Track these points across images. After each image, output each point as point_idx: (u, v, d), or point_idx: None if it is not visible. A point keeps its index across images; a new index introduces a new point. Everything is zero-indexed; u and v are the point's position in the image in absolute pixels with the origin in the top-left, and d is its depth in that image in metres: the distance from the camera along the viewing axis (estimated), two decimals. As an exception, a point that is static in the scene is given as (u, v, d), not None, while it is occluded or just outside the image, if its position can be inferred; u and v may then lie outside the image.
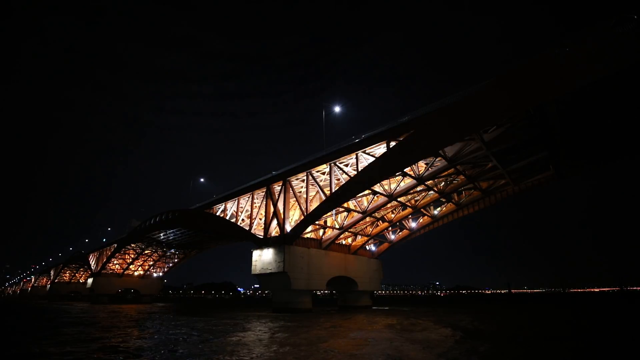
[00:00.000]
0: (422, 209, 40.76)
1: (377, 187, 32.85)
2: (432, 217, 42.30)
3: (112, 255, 73.40)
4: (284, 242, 36.18)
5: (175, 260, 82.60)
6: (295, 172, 38.34)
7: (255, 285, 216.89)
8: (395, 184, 33.05)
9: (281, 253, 35.68)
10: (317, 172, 37.55)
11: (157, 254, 75.97)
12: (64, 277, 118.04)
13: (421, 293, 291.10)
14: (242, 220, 45.06)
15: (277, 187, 40.62)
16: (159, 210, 66.92)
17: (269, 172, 41.67)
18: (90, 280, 79.75)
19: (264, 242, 38.50)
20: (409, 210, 40.64)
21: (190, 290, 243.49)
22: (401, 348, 11.70)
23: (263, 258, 37.49)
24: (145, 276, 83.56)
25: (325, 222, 40.14)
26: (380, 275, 49.37)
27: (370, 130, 31.15)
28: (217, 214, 49.96)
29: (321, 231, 41.83)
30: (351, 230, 41.08)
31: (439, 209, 42.12)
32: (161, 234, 62.72)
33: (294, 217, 42.43)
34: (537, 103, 21.11)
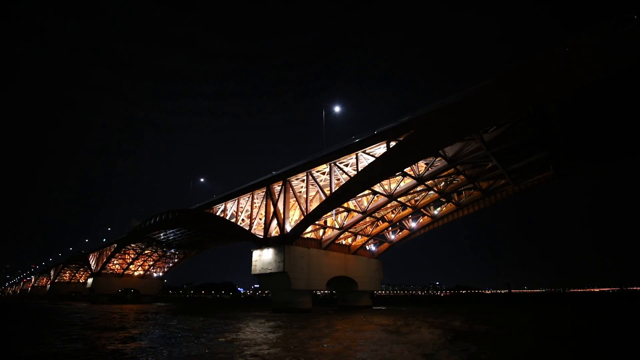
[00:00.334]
0: (422, 209, 40.77)
1: (377, 187, 32.86)
2: (432, 217, 42.31)
3: (112, 255, 73.42)
4: (284, 242, 36.19)
5: (175, 260, 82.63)
6: (295, 172, 38.36)
7: (256, 285, 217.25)
8: (395, 184, 33.06)
9: (281, 253, 35.69)
10: (317, 172, 37.56)
11: (157, 254, 75.99)
12: (64, 277, 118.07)
13: (421, 293, 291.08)
14: (242, 220, 45.07)
15: (277, 187, 40.63)
16: (159, 210, 67.03)
17: (269, 172, 41.74)
18: (90, 280, 79.78)
19: (264, 242, 38.51)
20: (409, 210, 40.66)
21: (190, 290, 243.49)
22: (392, 348, 11.78)
23: (263, 258, 37.50)
24: (145, 276, 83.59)
25: (325, 222, 40.15)
26: (380, 275, 49.38)
27: (370, 130, 31.16)
28: (217, 214, 49.97)
29: (321, 231, 41.84)
30: (351, 230, 41.09)
31: (439, 209, 42.13)
32: (161, 234, 62.74)
33: (294, 217, 42.44)
34: (537, 103, 21.12)
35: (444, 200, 39.09)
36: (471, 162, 29.51)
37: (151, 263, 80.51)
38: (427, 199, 38.23)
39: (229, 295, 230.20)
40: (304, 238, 38.92)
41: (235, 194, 46.93)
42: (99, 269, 78.49)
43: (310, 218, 35.33)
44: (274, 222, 39.13)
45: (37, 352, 11.82)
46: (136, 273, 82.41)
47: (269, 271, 36.46)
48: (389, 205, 36.39)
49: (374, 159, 30.84)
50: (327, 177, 36.84)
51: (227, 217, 47.86)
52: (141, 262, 79.83)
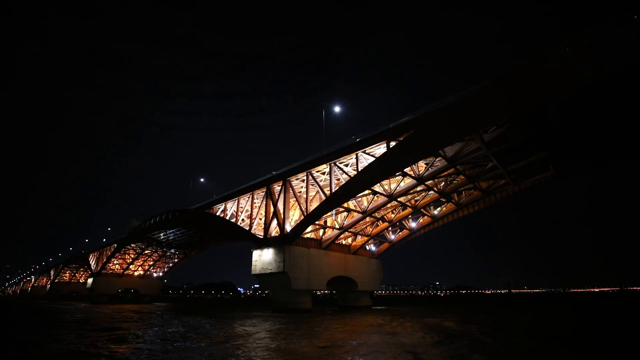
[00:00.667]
0: (422, 209, 40.77)
1: (377, 187, 32.87)
2: (432, 217, 42.31)
3: (112, 255, 73.41)
4: (284, 242, 36.19)
5: (175, 260, 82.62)
6: (295, 172, 38.36)
7: (255, 285, 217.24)
8: (395, 184, 33.06)
9: (281, 253, 35.69)
10: (317, 172, 37.56)
11: (157, 254, 75.98)
12: (64, 277, 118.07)
13: (421, 293, 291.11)
14: (242, 220, 45.07)
15: (277, 187, 40.64)
16: (159, 210, 67.01)
17: (269, 172, 41.76)
18: (90, 280, 79.77)
19: (264, 242, 38.51)
20: (409, 210, 40.66)
21: (190, 290, 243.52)
22: (381, 348, 11.92)
23: (263, 258, 37.50)
24: (145, 276, 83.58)
25: (325, 222, 40.15)
26: (380, 275, 49.38)
27: (370, 130, 31.17)
28: (217, 214, 49.97)
29: (321, 231, 41.84)
30: (351, 230, 41.09)
31: (439, 209, 42.13)
32: (161, 234, 62.73)
33: (294, 217, 42.44)
34: (537, 103, 21.12)
35: (444, 200, 39.09)
36: (471, 162, 29.51)
37: (151, 263, 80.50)
38: (427, 199, 38.22)
39: (229, 295, 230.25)
40: (304, 238, 38.92)
41: (235, 194, 46.93)
42: (99, 269, 78.48)
43: (310, 218, 35.33)
44: (274, 222, 39.13)
45: (28, 353, 11.83)
46: (136, 273, 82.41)
47: (269, 271, 36.46)
48: (389, 205, 36.39)
49: (374, 159, 30.83)
50: (327, 177, 36.84)
51: (227, 217, 47.86)
52: (141, 262, 79.82)
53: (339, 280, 43.54)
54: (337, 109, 37.86)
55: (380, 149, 31.57)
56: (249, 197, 45.31)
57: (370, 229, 43.95)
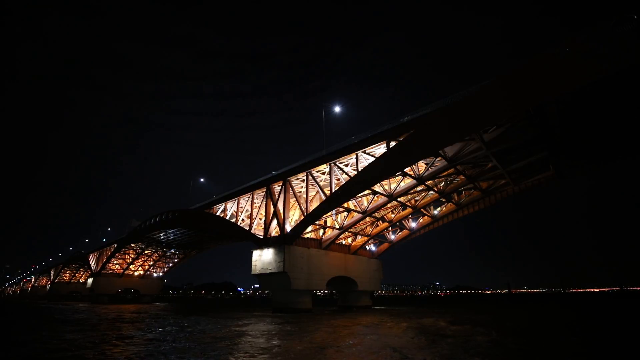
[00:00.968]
0: (422, 209, 40.77)
1: (377, 187, 32.86)
2: (432, 217, 42.31)
3: (112, 255, 73.42)
4: (284, 242, 36.19)
5: (175, 260, 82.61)
6: (295, 172, 38.36)
7: (255, 285, 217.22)
8: (395, 184, 33.06)
9: (281, 253, 35.69)
10: (317, 172, 37.56)
11: (157, 254, 75.97)
12: (64, 277, 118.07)
13: (421, 293, 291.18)
14: (242, 220, 45.08)
15: (277, 187, 40.64)
16: (159, 210, 66.99)
17: (269, 172, 41.76)
18: (90, 280, 79.78)
19: (264, 242, 38.52)
20: (409, 210, 40.66)
21: (190, 290, 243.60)
22: (370, 347, 12.00)
23: (263, 258, 37.51)
24: (145, 276, 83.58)
25: (325, 222, 40.15)
26: (380, 275, 49.38)
27: (370, 130, 31.17)
28: (217, 214, 49.98)
29: (321, 231, 41.84)
30: (351, 230, 41.08)
31: (439, 209, 42.13)
32: (161, 234, 62.72)
33: (294, 217, 42.44)
34: (537, 103, 21.12)
35: (444, 200, 39.08)
36: (471, 162, 29.51)
37: (151, 263, 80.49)
38: (427, 199, 38.22)
39: (229, 295, 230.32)
40: (304, 238, 38.92)
41: (235, 194, 46.93)
42: (99, 269, 78.48)
43: (310, 218, 35.33)
44: (274, 222, 39.13)
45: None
46: (136, 273, 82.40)
47: (269, 271, 36.47)
48: (389, 205, 36.38)
49: (374, 159, 30.83)
50: (327, 177, 36.84)
51: (227, 217, 47.87)
52: (141, 262, 79.81)
53: (339, 280, 43.54)
54: (337, 109, 37.85)
55: (380, 149, 31.56)
56: (249, 197, 45.32)
57: (370, 229, 43.95)
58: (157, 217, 56.85)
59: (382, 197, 34.11)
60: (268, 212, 40.33)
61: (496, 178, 34.43)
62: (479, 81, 24.24)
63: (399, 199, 35.61)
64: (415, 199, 38.98)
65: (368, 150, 31.90)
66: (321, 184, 36.97)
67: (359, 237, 45.22)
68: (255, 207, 44.11)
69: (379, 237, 47.26)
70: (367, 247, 47.96)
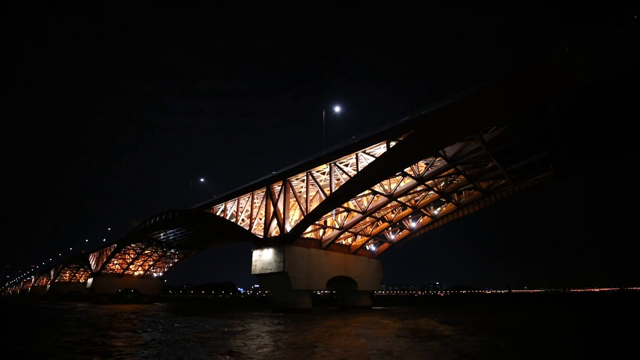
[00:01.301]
0: (422, 209, 40.78)
1: (377, 187, 32.87)
2: (432, 217, 42.32)
3: (112, 255, 73.44)
4: (284, 242, 36.20)
5: (175, 260, 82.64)
6: (295, 172, 38.37)
7: (255, 285, 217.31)
8: (395, 184, 33.06)
9: (281, 253, 35.69)
10: (317, 172, 37.56)
11: (157, 254, 76.00)
12: (64, 277, 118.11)
13: (421, 293, 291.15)
14: (242, 220, 45.09)
15: (277, 187, 40.64)
16: (159, 210, 67.02)
17: (269, 172, 41.77)
18: (90, 280, 79.81)
19: (264, 242, 38.52)
20: (409, 210, 40.67)
21: (190, 290, 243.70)
22: (357, 348, 12.02)
23: (263, 258, 37.51)
24: (145, 276, 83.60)
25: (325, 222, 40.16)
26: (380, 275, 49.39)
27: (370, 130, 31.18)
28: (217, 214, 49.99)
29: (321, 231, 41.85)
30: (351, 230, 41.09)
31: (439, 209, 42.14)
32: (161, 234, 62.75)
33: (294, 217, 42.45)
34: (537, 103, 21.13)
35: (444, 200, 39.10)
36: (471, 162, 29.52)
37: (151, 263, 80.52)
38: (427, 199, 38.23)
39: (229, 295, 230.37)
40: (304, 238, 38.93)
41: (235, 194, 46.94)
42: (99, 269, 78.50)
43: (310, 218, 35.33)
44: (274, 222, 39.14)
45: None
46: (136, 273, 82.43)
47: (269, 271, 36.47)
48: (389, 205, 36.39)
49: (374, 159, 30.84)
50: (327, 177, 36.84)
51: (227, 217, 47.87)
52: (141, 262, 79.84)
53: (339, 280, 43.55)
54: (337, 109, 37.88)
55: (380, 149, 31.57)
56: (249, 197, 45.33)
57: (370, 229, 43.96)
58: (157, 217, 56.87)
59: (382, 197, 34.11)
60: (268, 212, 40.33)
61: (496, 178, 34.44)
62: (479, 81, 24.27)
63: (399, 199, 35.62)
64: (415, 199, 38.99)
65: (368, 150, 31.90)
66: (321, 184, 36.98)
67: (359, 237, 45.23)
68: (255, 207, 44.12)
69: (379, 237, 47.28)
70: (367, 247, 47.97)
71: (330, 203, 33.47)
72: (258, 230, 43.50)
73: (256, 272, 37.87)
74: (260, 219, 44.56)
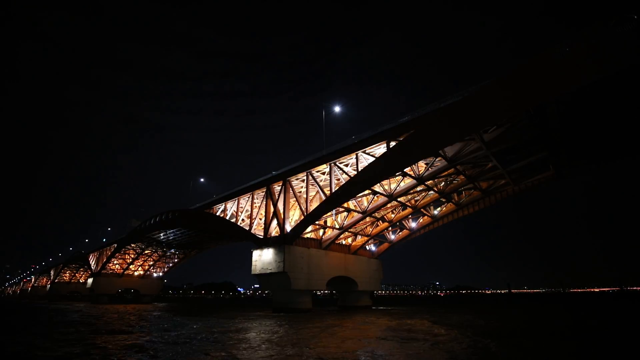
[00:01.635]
0: (422, 209, 40.77)
1: (377, 187, 32.86)
2: (432, 217, 42.31)
3: (112, 255, 73.42)
4: (284, 242, 36.19)
5: (175, 260, 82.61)
6: (295, 172, 38.36)
7: (255, 285, 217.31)
8: (395, 184, 33.05)
9: (281, 253, 35.69)
10: (317, 172, 37.56)
11: (157, 254, 75.98)
12: (64, 277, 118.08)
13: (421, 293, 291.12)
14: (242, 220, 45.08)
15: (277, 187, 40.64)
16: (159, 210, 66.95)
17: (269, 172, 41.77)
18: (90, 280, 79.78)
19: (264, 242, 38.51)
20: (409, 210, 40.66)
21: (190, 290, 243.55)
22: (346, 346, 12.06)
23: (263, 258, 37.51)
24: (145, 276, 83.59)
25: (325, 222, 40.15)
26: (380, 275, 49.38)
27: (370, 130, 31.18)
28: (217, 214, 49.98)
29: (321, 231, 41.84)
30: (351, 230, 41.08)
31: (439, 209, 42.13)
32: (161, 234, 62.73)
33: (294, 217, 42.44)
34: (537, 103, 21.13)
35: (444, 200, 39.09)
36: (471, 162, 29.52)
37: (151, 263, 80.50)
38: (427, 199, 38.22)
39: (229, 295, 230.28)
40: (304, 238, 38.92)
41: (235, 194, 46.94)
42: (99, 269, 78.48)
43: (310, 218, 35.32)
44: (274, 222, 39.13)
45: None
46: (136, 273, 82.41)
47: (269, 271, 36.46)
48: (389, 205, 36.38)
49: (374, 159, 30.84)
50: (327, 177, 36.84)
51: (227, 217, 47.87)
52: (141, 262, 79.82)
53: (339, 280, 43.54)
54: (337, 109, 37.89)
55: (380, 149, 31.56)
56: (249, 197, 45.32)
57: (370, 229, 43.95)
58: (157, 217, 56.86)
59: (382, 197, 34.10)
60: (268, 212, 40.33)
61: (496, 178, 34.44)
62: (479, 81, 24.27)
63: (399, 199, 35.62)
64: (415, 199, 38.99)
65: (368, 150, 31.90)
66: (321, 184, 36.98)
67: (359, 237, 45.22)
68: (255, 207, 44.12)
69: (379, 237, 47.26)
70: (367, 247, 47.96)
71: (330, 203, 33.47)
72: (258, 230, 43.49)
73: (256, 272, 37.87)
74: (260, 219, 44.55)
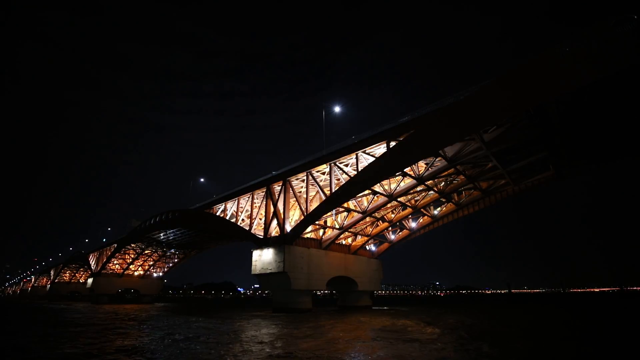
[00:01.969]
0: (422, 209, 40.76)
1: (377, 187, 32.85)
2: (432, 217, 42.29)
3: (112, 255, 73.41)
4: (284, 242, 36.19)
5: (175, 260, 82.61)
6: (295, 172, 38.36)
7: (255, 285, 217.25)
8: (395, 184, 33.05)
9: (281, 253, 35.68)
10: (317, 172, 37.55)
11: (157, 254, 75.97)
12: (64, 277, 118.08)
13: (421, 293, 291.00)
14: (242, 220, 45.07)
15: (277, 187, 40.63)
16: (159, 210, 66.99)
17: (269, 172, 41.78)
18: (90, 280, 79.76)
19: (264, 242, 38.51)
20: (409, 210, 40.65)
21: (190, 290, 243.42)
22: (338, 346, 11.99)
23: (263, 258, 37.50)
24: (145, 276, 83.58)
25: (325, 222, 40.14)
26: (380, 275, 49.37)
27: (370, 130, 31.18)
28: (217, 214, 49.97)
29: (321, 231, 41.83)
30: (351, 230, 41.07)
31: (439, 209, 42.11)
32: (161, 234, 62.73)
33: (294, 217, 42.44)
34: (537, 103, 21.11)
35: (444, 200, 39.07)
36: (471, 162, 29.50)
37: (151, 263, 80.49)
38: (427, 199, 38.21)
39: (229, 295, 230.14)
40: (304, 238, 38.91)
41: (235, 194, 46.93)
42: (99, 269, 78.47)
43: (310, 218, 35.32)
44: (274, 222, 39.12)
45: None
46: (136, 273, 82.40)
47: (269, 271, 36.45)
48: (389, 205, 36.37)
49: (374, 159, 30.83)
50: (327, 177, 36.83)
51: (227, 217, 47.86)
52: (141, 262, 79.81)
53: (339, 280, 43.53)
54: (337, 109, 37.87)
55: (380, 149, 31.56)
56: (249, 197, 45.31)
57: (370, 229, 43.94)
58: (157, 217, 56.86)
59: (382, 197, 34.10)
60: (268, 212, 40.32)
61: (496, 178, 34.42)
62: (479, 81, 24.25)
63: (399, 199, 35.61)
64: (415, 199, 38.98)
65: (368, 150, 31.90)
66: (321, 184, 36.97)
67: (359, 237, 45.21)
68: (255, 207, 44.11)
69: (379, 237, 47.25)
70: (367, 247, 47.95)
71: (330, 203, 33.46)
72: (258, 230, 43.49)
73: (256, 272, 37.86)
74: (260, 219, 44.55)
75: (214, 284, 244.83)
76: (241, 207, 46.75)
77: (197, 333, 17.21)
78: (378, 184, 32.45)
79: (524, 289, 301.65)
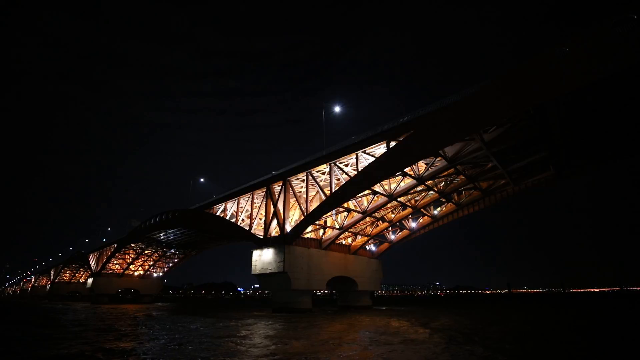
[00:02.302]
0: (422, 209, 40.75)
1: (377, 187, 32.85)
2: (432, 217, 42.29)
3: (112, 255, 73.40)
4: (284, 242, 36.19)
5: (175, 260, 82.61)
6: (295, 172, 38.35)
7: (255, 285, 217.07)
8: (395, 184, 33.04)
9: (281, 253, 35.68)
10: (317, 172, 37.55)
11: (157, 254, 75.97)
12: (64, 277, 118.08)
13: (421, 293, 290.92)
14: (242, 220, 45.07)
15: (277, 187, 40.63)
16: (159, 210, 66.93)
17: (269, 172, 41.77)
18: (90, 280, 79.76)
19: (264, 242, 38.50)
20: (409, 210, 40.64)
21: (190, 290, 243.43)
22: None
23: (263, 258, 37.49)
24: (145, 276, 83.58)
25: (325, 222, 40.14)
26: (380, 275, 49.37)
27: (370, 130, 31.16)
28: (217, 214, 49.97)
29: (321, 231, 41.83)
30: (351, 230, 41.07)
31: (439, 209, 42.11)
32: (161, 234, 62.72)
33: (294, 217, 42.43)
34: (537, 103, 21.10)
35: (444, 200, 39.07)
36: (471, 162, 29.50)
37: (151, 263, 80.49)
38: (427, 199, 38.21)
39: (229, 295, 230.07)
40: (304, 238, 38.91)
41: (235, 194, 46.92)
42: (99, 269, 78.47)
43: (310, 218, 35.31)
44: (274, 222, 39.12)
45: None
46: (136, 273, 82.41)
47: (269, 271, 36.45)
48: (389, 205, 36.37)
49: (374, 159, 30.82)
50: (327, 177, 36.83)
51: (227, 217, 47.85)
52: (141, 262, 79.81)
53: (339, 280, 43.54)
54: (337, 108, 37.82)
55: (380, 149, 31.55)
56: (249, 197, 45.31)
57: (370, 229, 43.94)
58: (157, 217, 56.83)
59: (382, 197, 34.10)
60: (268, 212, 40.31)
61: (496, 178, 34.42)
62: (479, 80, 24.25)
63: (399, 199, 35.60)
64: (415, 199, 38.97)
65: (368, 150, 31.89)
66: (321, 184, 36.96)
67: (359, 237, 45.21)
68: (255, 207, 44.10)
69: (379, 237, 47.25)
70: (367, 247, 47.95)
71: (330, 203, 33.45)
72: (258, 230, 43.48)
73: (256, 272, 37.85)
74: (260, 219, 44.54)
75: (214, 283, 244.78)
76: (241, 207, 46.75)
77: (193, 333, 17.21)
78: (378, 184, 32.45)
79: (524, 289, 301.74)
